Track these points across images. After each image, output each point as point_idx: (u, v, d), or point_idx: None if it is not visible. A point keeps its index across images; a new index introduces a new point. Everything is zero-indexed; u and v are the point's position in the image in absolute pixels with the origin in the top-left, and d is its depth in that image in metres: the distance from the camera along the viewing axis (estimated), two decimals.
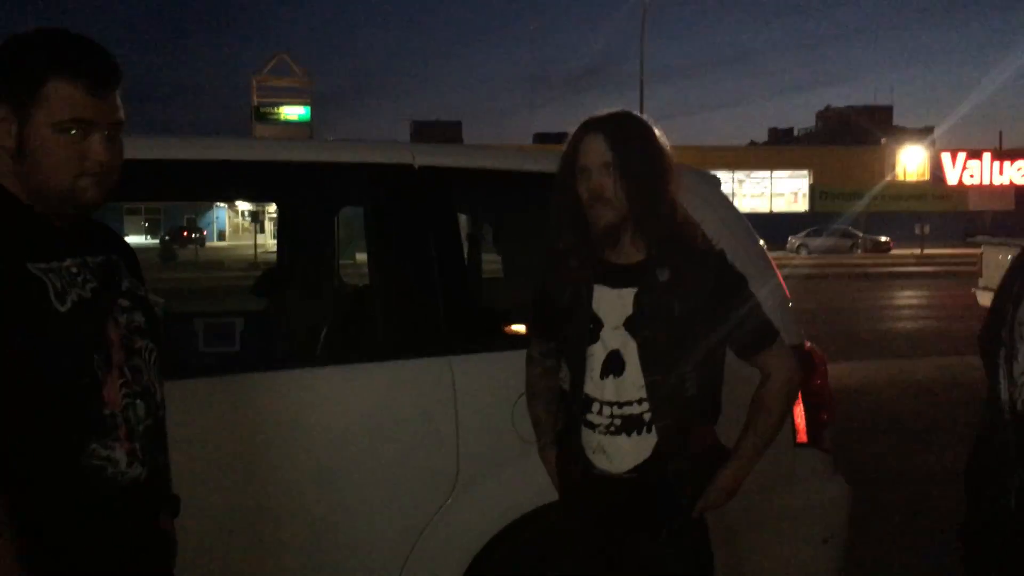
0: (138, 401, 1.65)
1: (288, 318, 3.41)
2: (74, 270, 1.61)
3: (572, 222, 2.20)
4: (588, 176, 2.15)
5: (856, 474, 3.58)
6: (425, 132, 58.56)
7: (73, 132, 1.56)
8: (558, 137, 57.93)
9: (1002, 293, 1.74)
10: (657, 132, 2.22)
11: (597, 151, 2.15)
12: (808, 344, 3.03)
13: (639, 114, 2.25)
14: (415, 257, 2.78)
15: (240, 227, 55.95)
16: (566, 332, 2.22)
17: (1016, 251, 1.84)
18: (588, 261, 2.19)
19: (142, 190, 2.92)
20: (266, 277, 4.28)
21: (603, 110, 2.24)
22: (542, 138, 59.48)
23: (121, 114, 1.64)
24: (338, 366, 2.73)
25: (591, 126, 2.19)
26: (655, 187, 2.15)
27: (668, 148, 2.22)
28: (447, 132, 59.85)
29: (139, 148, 2.45)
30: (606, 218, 2.13)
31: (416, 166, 2.81)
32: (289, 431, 2.55)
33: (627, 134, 2.16)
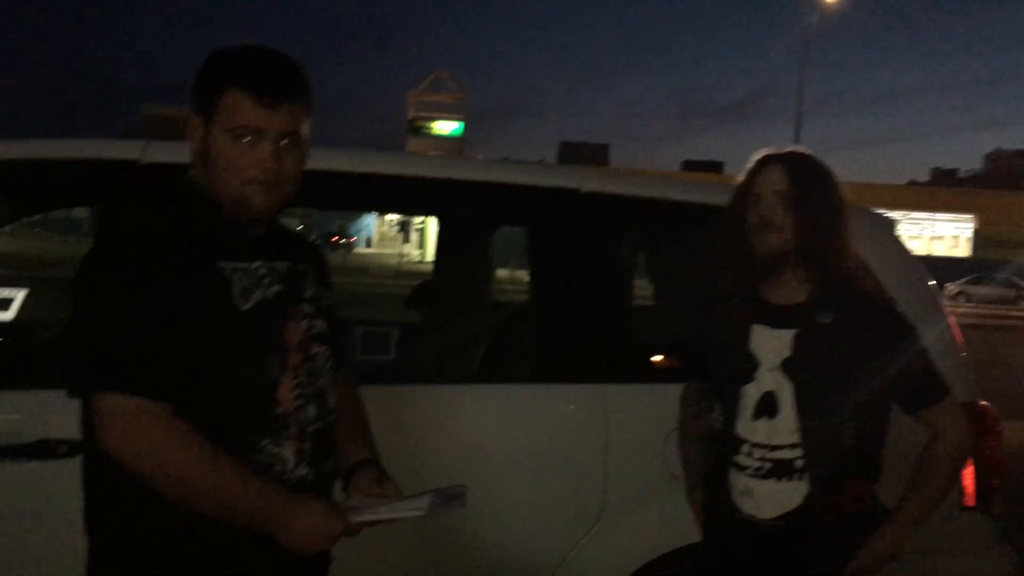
0: (310, 404, 1.70)
1: (442, 333, 3.46)
2: (262, 272, 1.68)
3: (737, 255, 2.18)
4: (759, 202, 2.14)
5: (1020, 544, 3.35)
6: (572, 153, 58.87)
7: (246, 140, 1.64)
8: (707, 165, 57.37)
9: None
10: (835, 175, 2.21)
11: (773, 179, 2.15)
12: (982, 402, 2.87)
13: (817, 157, 2.24)
14: (576, 281, 2.78)
15: (386, 236, 57.64)
16: (722, 371, 2.20)
17: None
18: (748, 299, 2.17)
19: (326, 199, 3.01)
20: (421, 290, 4.36)
21: (781, 147, 2.24)
22: (691, 165, 58.86)
23: (297, 126, 1.68)
24: (490, 385, 2.75)
25: (771, 158, 2.20)
26: (826, 223, 2.12)
27: (844, 189, 2.20)
28: (594, 154, 59.95)
29: (327, 159, 2.56)
30: (771, 246, 2.11)
31: (583, 191, 2.82)
32: (435, 447, 2.57)
33: (804, 169, 2.17)
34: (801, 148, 2.27)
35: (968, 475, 2.74)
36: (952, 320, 2.93)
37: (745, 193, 2.19)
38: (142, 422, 1.51)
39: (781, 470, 2.09)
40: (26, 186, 2.64)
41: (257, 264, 1.68)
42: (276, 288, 1.69)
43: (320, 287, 1.82)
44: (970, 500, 2.76)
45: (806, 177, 2.14)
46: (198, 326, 1.56)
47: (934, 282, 3.00)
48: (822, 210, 2.12)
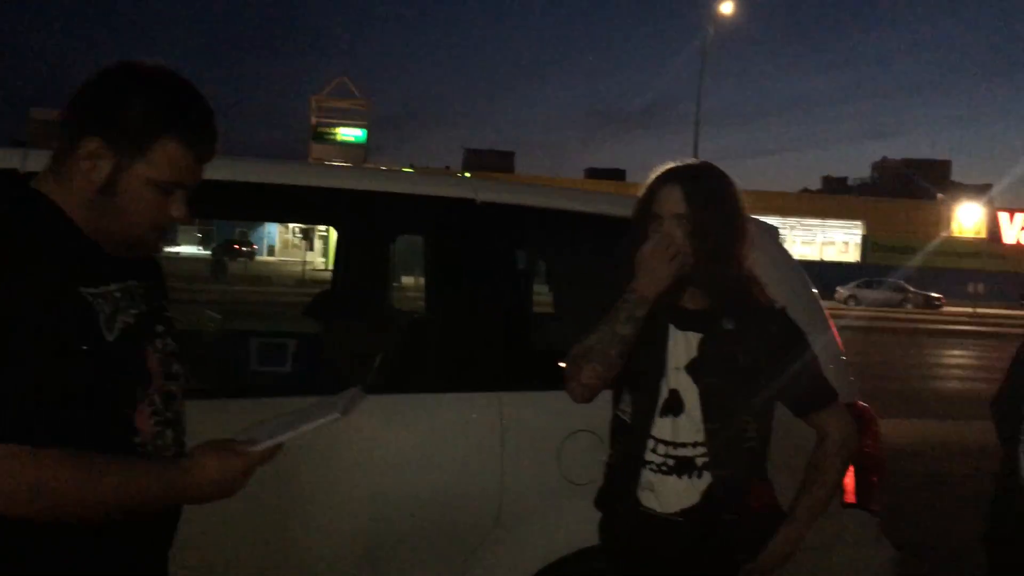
0: (168, 430, 1.61)
1: (341, 343, 3.44)
2: (118, 295, 1.55)
3: None
4: (659, 224, 2.15)
5: (902, 537, 3.51)
6: (478, 160, 58.87)
7: (163, 189, 1.54)
8: (610, 173, 57.99)
9: (1019, 364, 1.65)
10: (736, 189, 2.21)
11: (671, 201, 2.14)
12: (861, 403, 2.99)
13: (719, 168, 2.24)
14: (471, 291, 2.80)
15: (289, 243, 56.68)
16: (636, 367, 2.18)
17: None
18: (662, 301, 2.15)
19: (216, 209, 2.95)
20: (319, 300, 4.32)
21: (681, 159, 2.24)
22: (594, 173, 59.57)
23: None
24: (388, 395, 2.74)
25: (670, 176, 2.18)
26: (722, 246, 2.14)
27: (743, 207, 2.21)
28: (500, 161, 60.09)
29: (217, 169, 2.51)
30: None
31: (478, 201, 2.85)
32: (334, 458, 2.55)
33: (704, 190, 2.15)
34: (701, 162, 2.27)
35: (848, 474, 2.85)
36: (833, 325, 3.05)
37: (646, 211, 2.19)
38: (11, 468, 1.37)
39: (683, 467, 2.13)
40: None
41: (112, 287, 1.54)
42: (134, 311, 1.56)
43: (163, 300, 1.70)
44: (850, 497, 2.88)
45: (705, 197, 2.14)
46: (66, 361, 1.43)
47: (815, 290, 3.11)
48: (719, 233, 2.13)
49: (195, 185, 1.60)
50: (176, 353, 1.66)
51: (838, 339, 3.03)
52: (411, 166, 49.58)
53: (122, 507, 1.47)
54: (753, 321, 2.16)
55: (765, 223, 3.23)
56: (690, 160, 2.26)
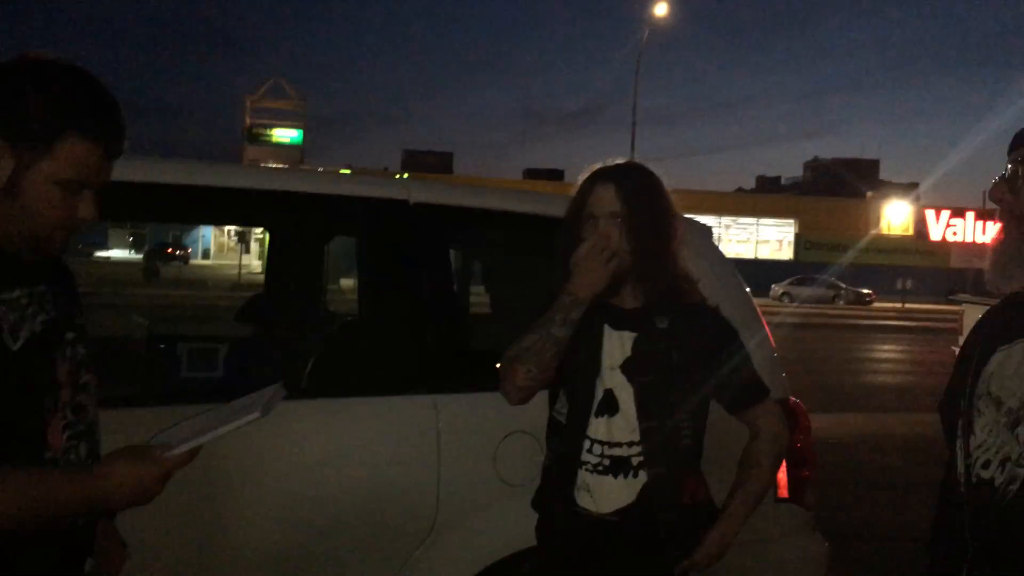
0: (81, 443, 1.55)
1: (273, 347, 3.38)
2: (24, 301, 1.48)
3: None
4: (595, 225, 2.15)
5: (833, 530, 3.57)
6: (416, 161, 58.55)
7: (70, 188, 1.48)
8: (548, 173, 58.03)
9: (962, 361, 1.68)
10: (664, 186, 2.22)
11: (606, 200, 2.15)
12: (792, 399, 3.04)
13: (648, 166, 2.26)
14: (405, 292, 2.77)
15: (225, 246, 55.76)
16: (571, 368, 2.18)
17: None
18: (596, 300, 2.15)
19: (140, 212, 2.87)
20: (251, 304, 4.24)
21: (612, 159, 2.25)
22: (532, 173, 59.66)
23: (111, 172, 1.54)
24: (321, 399, 2.70)
25: (602, 175, 2.19)
26: (659, 243, 2.16)
27: (674, 203, 2.23)
28: (439, 162, 59.81)
29: (136, 170, 2.45)
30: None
31: (411, 202, 2.82)
32: (265, 464, 2.51)
33: (638, 187, 2.17)
34: (632, 161, 2.29)
35: (780, 469, 2.89)
36: (766, 323, 3.09)
37: (579, 210, 2.19)
38: None
39: (619, 467, 2.14)
40: None
41: (18, 293, 1.47)
42: (41, 318, 1.49)
43: (74, 306, 1.62)
44: (783, 492, 2.92)
45: (640, 196, 2.16)
46: None
47: (747, 288, 3.15)
48: (655, 229, 2.15)
49: (104, 182, 1.53)
50: (86, 362, 1.59)
51: (771, 337, 3.07)
52: (349, 167, 49.19)
53: (36, 518, 1.42)
54: (687, 319, 2.18)
55: (698, 222, 3.27)
56: (619, 160, 2.27)
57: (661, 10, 31.87)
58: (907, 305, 38.00)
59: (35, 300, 1.51)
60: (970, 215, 49.93)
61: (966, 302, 13.25)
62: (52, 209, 1.47)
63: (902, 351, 20.37)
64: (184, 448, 1.51)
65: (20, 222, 1.47)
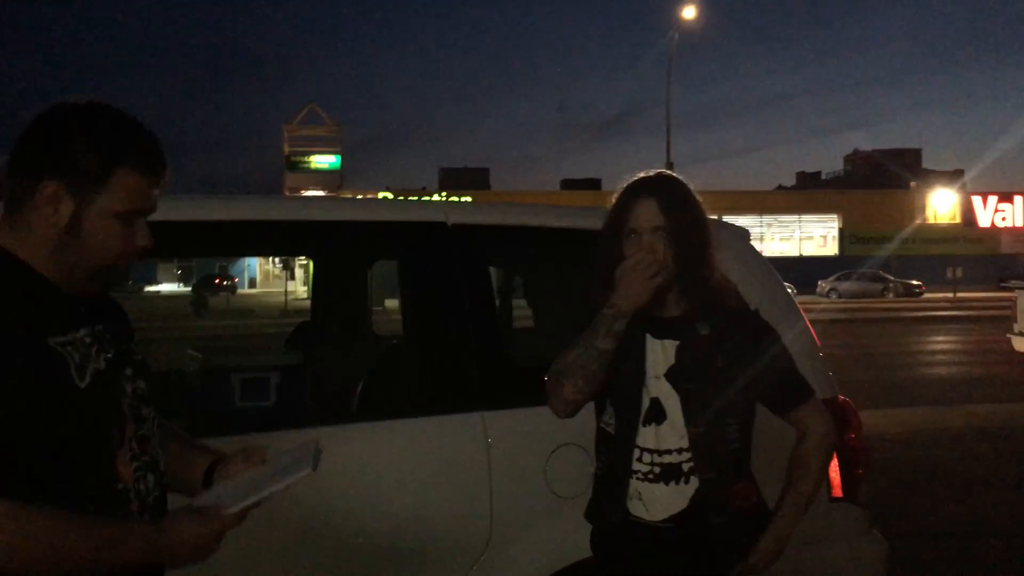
0: (148, 473, 1.62)
1: (322, 373, 3.44)
2: (88, 340, 1.56)
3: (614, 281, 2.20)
4: (639, 239, 2.18)
5: (891, 528, 3.54)
6: (453, 178, 58.81)
7: (126, 219, 1.58)
8: (585, 183, 57.91)
9: None
10: (696, 195, 2.26)
11: (649, 215, 2.18)
12: (841, 397, 3.02)
13: (679, 176, 2.30)
14: (448, 313, 2.82)
15: (271, 274, 56.49)
16: (616, 379, 2.21)
17: None
18: (637, 311, 2.17)
19: (190, 249, 2.95)
20: (300, 331, 4.32)
21: (645, 172, 2.27)
22: (569, 184, 59.60)
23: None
24: (371, 423, 2.75)
25: (642, 189, 2.22)
26: (700, 252, 2.19)
27: (705, 211, 2.27)
28: (475, 178, 60.01)
29: (183, 210, 2.53)
30: (656, 282, 2.15)
31: (450, 223, 2.87)
32: (318, 491, 2.53)
33: (677, 200, 2.21)
34: (661, 172, 2.31)
35: (834, 467, 2.88)
36: (808, 321, 3.09)
37: (619, 225, 2.21)
38: None
39: (669, 474, 2.16)
40: None
41: (82, 333, 1.56)
42: (104, 356, 1.58)
43: (131, 342, 1.72)
44: (837, 491, 2.91)
45: (680, 208, 2.20)
46: (41, 413, 1.44)
47: (789, 286, 3.14)
48: (696, 239, 2.19)
49: (152, 210, 1.63)
50: (145, 396, 1.67)
51: (814, 334, 3.06)
52: (387, 189, 49.59)
53: (98, 567, 1.48)
54: (728, 324, 2.20)
55: (735, 226, 3.28)
56: (652, 171, 2.30)
57: (689, 13, 31.77)
58: (958, 295, 37.27)
59: (96, 339, 1.59)
60: (1019, 199, 48.96)
61: (1019, 288, 12.98)
62: (113, 241, 1.58)
63: (956, 342, 19.99)
64: (240, 507, 1.61)
65: (85, 258, 1.57)
